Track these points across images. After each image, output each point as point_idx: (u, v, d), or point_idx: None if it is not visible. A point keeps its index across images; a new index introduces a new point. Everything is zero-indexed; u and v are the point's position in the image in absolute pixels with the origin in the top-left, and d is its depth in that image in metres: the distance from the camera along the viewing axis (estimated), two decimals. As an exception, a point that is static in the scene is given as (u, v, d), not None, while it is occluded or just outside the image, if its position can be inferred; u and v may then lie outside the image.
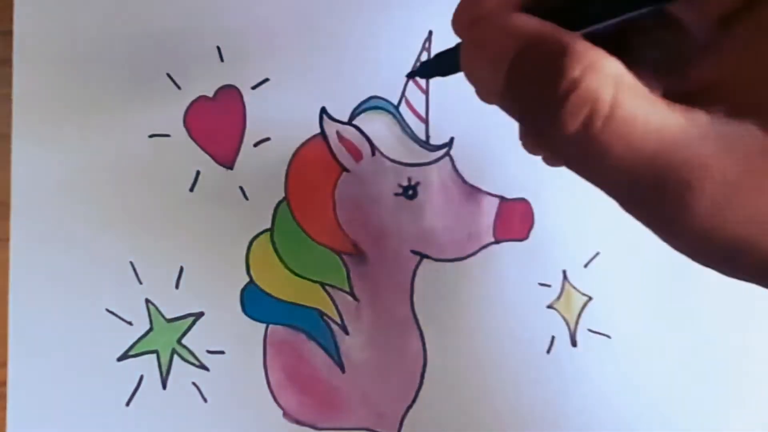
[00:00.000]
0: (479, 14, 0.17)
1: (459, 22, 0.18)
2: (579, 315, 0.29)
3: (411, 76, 0.29)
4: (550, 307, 0.29)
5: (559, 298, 0.29)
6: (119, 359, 0.29)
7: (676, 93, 0.17)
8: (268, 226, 0.29)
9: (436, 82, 0.30)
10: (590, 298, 0.29)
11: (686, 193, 0.16)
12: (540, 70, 0.16)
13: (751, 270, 0.18)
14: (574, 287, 0.29)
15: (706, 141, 0.16)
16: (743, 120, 0.16)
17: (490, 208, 0.30)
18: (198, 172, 0.29)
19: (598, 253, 0.29)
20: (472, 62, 0.18)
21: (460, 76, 0.19)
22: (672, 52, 0.19)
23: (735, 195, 0.16)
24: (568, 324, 0.29)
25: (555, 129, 0.16)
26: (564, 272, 0.29)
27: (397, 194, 0.30)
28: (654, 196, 0.17)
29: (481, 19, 0.17)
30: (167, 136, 0.29)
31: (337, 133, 0.30)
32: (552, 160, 0.20)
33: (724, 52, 0.17)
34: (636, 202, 0.17)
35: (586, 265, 0.29)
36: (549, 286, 0.29)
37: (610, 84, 0.16)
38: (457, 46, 0.19)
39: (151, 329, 0.29)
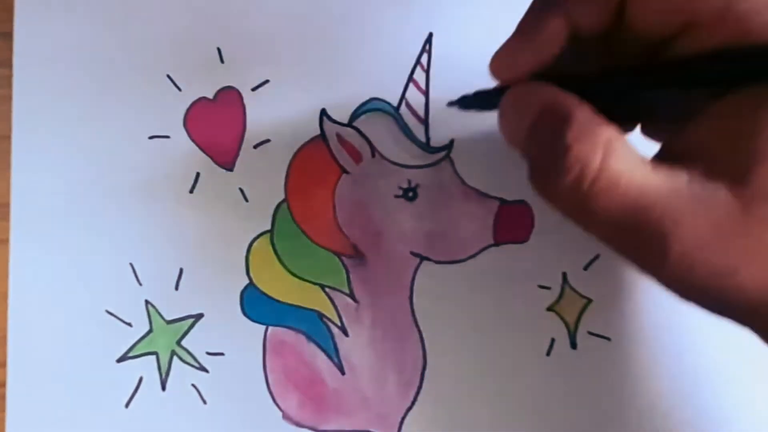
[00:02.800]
0: (510, 70, 0.22)
1: (494, 70, 0.23)
2: (579, 317, 0.29)
3: (451, 104, 0.27)
4: (549, 309, 0.29)
5: (558, 300, 0.29)
6: (118, 360, 0.29)
7: (675, 148, 0.20)
8: (268, 227, 0.29)
9: (435, 83, 0.30)
10: (590, 301, 0.29)
11: (661, 243, 0.19)
12: (548, 134, 0.20)
13: (723, 315, 0.21)
14: (574, 289, 0.29)
15: (680, 200, 0.19)
16: (717, 182, 0.19)
17: (489, 210, 0.30)
18: (198, 174, 0.29)
19: (598, 256, 0.29)
20: (506, 119, 0.22)
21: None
22: (675, 111, 0.21)
23: (703, 250, 0.20)
24: (567, 326, 0.29)
25: (553, 182, 0.20)
26: (564, 274, 0.29)
27: (397, 196, 0.30)
28: (634, 242, 0.20)
29: (512, 73, 0.22)
30: (167, 137, 0.29)
31: (337, 134, 0.30)
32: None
33: (711, 119, 0.20)
34: (620, 248, 0.21)
35: (585, 268, 0.29)
36: (548, 288, 0.29)
37: (599, 150, 0.19)
38: (495, 90, 0.23)
39: (150, 331, 0.29)
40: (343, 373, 0.29)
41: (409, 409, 0.29)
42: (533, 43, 0.21)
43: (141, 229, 0.29)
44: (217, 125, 0.29)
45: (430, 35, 0.30)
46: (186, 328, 0.29)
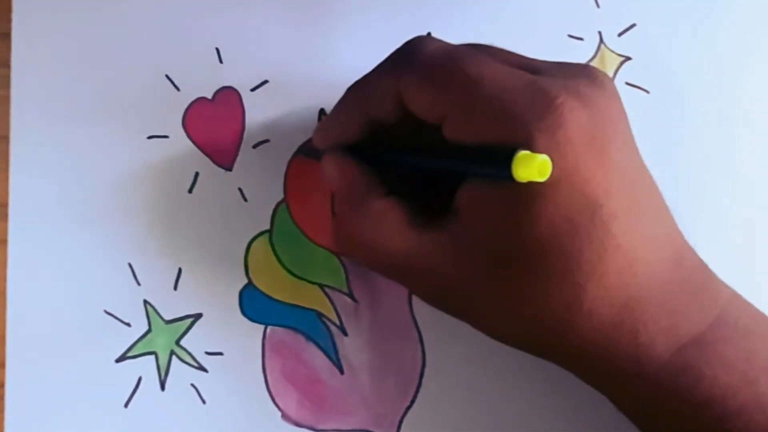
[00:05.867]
0: (324, 143, 0.27)
1: (315, 141, 0.28)
2: (577, 317, 0.29)
3: (298, 151, 0.30)
4: (548, 308, 0.29)
5: (557, 299, 0.29)
6: (117, 361, 0.29)
7: (456, 203, 0.24)
8: (267, 227, 0.29)
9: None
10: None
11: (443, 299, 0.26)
12: (340, 203, 0.28)
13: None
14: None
15: (443, 259, 0.24)
16: (476, 239, 0.23)
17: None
18: (197, 174, 0.29)
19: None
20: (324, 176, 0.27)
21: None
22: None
23: (472, 303, 0.25)
24: (566, 325, 0.29)
25: (344, 243, 0.28)
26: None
27: (395, 196, 0.30)
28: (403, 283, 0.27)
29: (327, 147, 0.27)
30: (166, 137, 0.29)
31: (336, 134, 0.30)
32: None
33: (468, 185, 0.24)
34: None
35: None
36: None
37: (371, 221, 0.25)
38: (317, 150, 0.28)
39: (149, 330, 0.29)
40: (342, 372, 0.29)
41: (408, 408, 0.29)
42: (340, 128, 0.27)
43: (140, 228, 0.29)
44: (216, 125, 0.29)
45: (429, 35, 0.30)
46: (185, 327, 0.29)
